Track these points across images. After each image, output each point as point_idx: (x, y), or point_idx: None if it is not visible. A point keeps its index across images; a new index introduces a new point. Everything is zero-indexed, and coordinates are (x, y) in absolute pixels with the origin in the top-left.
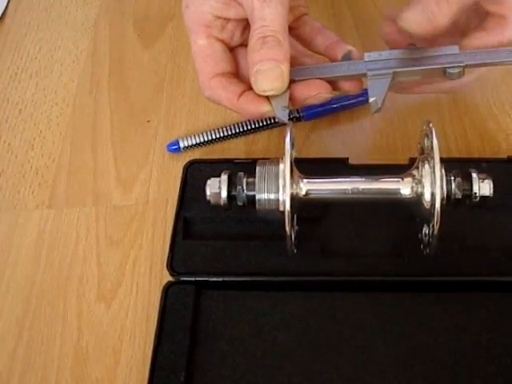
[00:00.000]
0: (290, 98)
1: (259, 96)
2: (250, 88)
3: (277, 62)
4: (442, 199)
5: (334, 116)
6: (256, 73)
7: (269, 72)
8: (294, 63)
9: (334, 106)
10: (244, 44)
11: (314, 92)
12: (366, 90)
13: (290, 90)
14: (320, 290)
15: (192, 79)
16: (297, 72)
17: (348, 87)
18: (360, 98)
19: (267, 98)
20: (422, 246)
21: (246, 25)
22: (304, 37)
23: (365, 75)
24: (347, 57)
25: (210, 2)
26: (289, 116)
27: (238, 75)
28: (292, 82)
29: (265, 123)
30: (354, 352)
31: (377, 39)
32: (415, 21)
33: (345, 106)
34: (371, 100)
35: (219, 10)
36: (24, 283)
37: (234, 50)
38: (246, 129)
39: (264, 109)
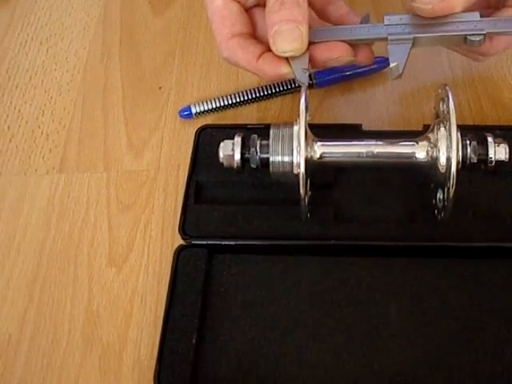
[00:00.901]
0: (310, 60)
1: (278, 57)
2: (269, 49)
3: (296, 23)
4: (457, 162)
5: (347, 83)
6: (275, 34)
7: (288, 33)
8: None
9: (347, 73)
10: (259, 5)
11: (336, 55)
12: (378, 57)
13: (309, 52)
14: (332, 254)
15: (203, 47)
16: (316, 33)
17: (362, 57)
18: (373, 66)
19: (286, 59)
20: (435, 212)
21: None
22: (316, 7)
23: (385, 39)
24: (365, 20)
25: None
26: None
27: (255, 36)
28: (311, 43)
29: (277, 89)
30: (367, 316)
31: (390, 4)
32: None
33: (358, 73)
34: (392, 65)
35: None
36: (34, 247)
37: (250, 10)
38: (258, 95)
39: (283, 70)
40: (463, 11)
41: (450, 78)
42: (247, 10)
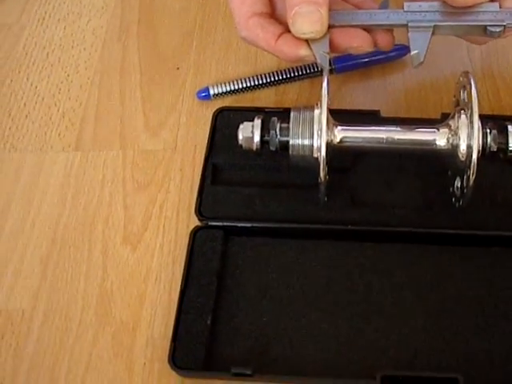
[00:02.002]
0: (330, 44)
1: (298, 39)
2: (289, 30)
3: (316, 5)
4: (478, 151)
5: (366, 70)
6: (294, 15)
7: (308, 15)
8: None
9: (365, 60)
10: None
11: (356, 44)
12: (397, 45)
13: (329, 36)
14: (349, 239)
15: (222, 29)
16: (336, 17)
17: (381, 42)
18: (391, 53)
19: (306, 41)
20: (453, 200)
21: None
22: None
23: (405, 26)
24: (384, 5)
25: None
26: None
27: (274, 17)
28: (331, 26)
29: (296, 74)
30: (382, 301)
31: None
32: None
33: (376, 60)
34: (413, 53)
35: None
36: (49, 224)
37: None
38: (276, 79)
39: (303, 52)
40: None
41: (469, 68)
42: None
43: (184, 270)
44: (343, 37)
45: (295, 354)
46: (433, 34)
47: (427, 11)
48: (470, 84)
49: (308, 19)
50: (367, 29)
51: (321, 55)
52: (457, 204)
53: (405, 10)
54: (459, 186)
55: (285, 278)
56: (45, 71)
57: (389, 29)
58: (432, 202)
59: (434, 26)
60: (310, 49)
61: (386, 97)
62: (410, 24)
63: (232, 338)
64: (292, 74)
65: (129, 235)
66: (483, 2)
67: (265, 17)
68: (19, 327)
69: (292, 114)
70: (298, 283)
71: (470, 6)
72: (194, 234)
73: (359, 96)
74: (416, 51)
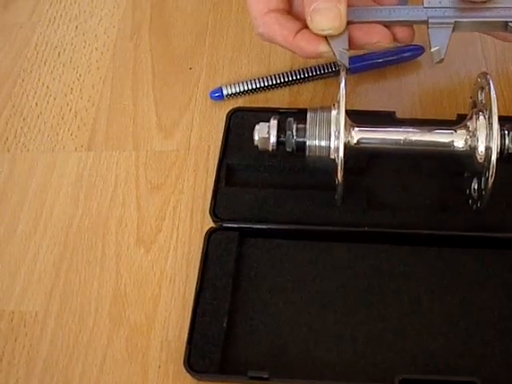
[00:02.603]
0: (349, 41)
1: (316, 35)
2: (306, 26)
3: (334, 1)
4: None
5: (380, 70)
6: (313, 11)
7: (326, 11)
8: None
9: (380, 60)
10: None
11: (375, 40)
12: (411, 45)
13: (348, 32)
14: (364, 241)
15: (235, 28)
16: (354, 13)
17: (401, 35)
18: (406, 54)
19: (325, 38)
20: (470, 202)
21: None
22: None
23: (425, 22)
24: (403, 1)
25: None
26: (336, 67)
27: (292, 13)
28: (350, 23)
29: (310, 74)
30: (398, 305)
31: None
32: None
33: (390, 61)
34: (434, 49)
35: None
36: (62, 225)
37: None
38: (290, 79)
39: (321, 48)
40: None
41: (484, 67)
42: None
43: (199, 272)
44: (362, 33)
45: (312, 357)
46: (453, 30)
47: (448, 7)
48: (489, 85)
49: (326, 15)
50: (386, 24)
51: (340, 52)
52: (474, 206)
53: (425, 5)
54: (476, 187)
55: (300, 280)
56: (56, 71)
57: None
58: (448, 204)
59: (455, 22)
60: (329, 45)
61: (401, 98)
62: (430, 20)
63: (248, 340)
64: (306, 75)
65: (142, 236)
66: None
67: (282, 13)
68: (32, 329)
69: (309, 115)
70: (314, 285)
71: (486, 1)
72: (209, 235)
73: (374, 97)
74: (437, 47)
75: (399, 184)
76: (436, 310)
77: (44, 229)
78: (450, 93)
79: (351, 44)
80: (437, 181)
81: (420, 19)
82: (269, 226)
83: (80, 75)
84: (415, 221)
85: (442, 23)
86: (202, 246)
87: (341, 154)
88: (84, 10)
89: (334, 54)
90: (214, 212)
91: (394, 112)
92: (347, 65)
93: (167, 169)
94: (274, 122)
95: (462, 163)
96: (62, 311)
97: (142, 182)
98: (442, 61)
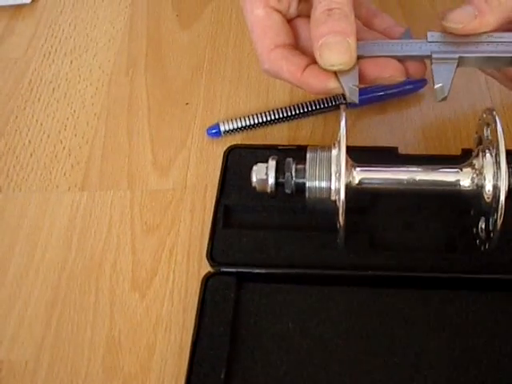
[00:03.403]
0: (359, 75)
1: (325, 71)
2: (314, 61)
3: (344, 35)
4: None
5: (381, 104)
6: (321, 46)
7: (336, 45)
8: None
9: (381, 93)
10: (301, 15)
11: (388, 74)
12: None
13: (358, 67)
14: (368, 285)
15: (232, 62)
16: (364, 47)
17: (413, 69)
18: (407, 86)
19: (334, 73)
20: (477, 242)
21: None
22: (361, 19)
23: (429, 57)
24: (406, 35)
25: None
26: (336, 101)
27: (299, 48)
28: (360, 57)
29: (309, 109)
30: (405, 352)
31: (422, 20)
32: (460, 19)
33: (392, 94)
34: (437, 86)
35: None
36: (54, 268)
37: (291, 21)
38: (289, 114)
39: (331, 85)
40: (497, 30)
41: (488, 99)
42: (289, 21)
43: (195, 319)
44: (373, 67)
45: None
46: (458, 66)
47: (452, 42)
48: (495, 122)
49: (336, 50)
50: (398, 58)
51: (350, 88)
52: (482, 247)
53: (428, 40)
54: (484, 227)
55: (302, 327)
56: (50, 107)
57: None
58: (455, 244)
59: (459, 57)
60: (339, 81)
61: (404, 132)
62: (433, 55)
63: None
64: (305, 109)
65: (137, 281)
66: (488, 31)
67: (288, 48)
68: (22, 380)
69: (308, 155)
70: (316, 333)
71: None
72: (206, 281)
73: (375, 131)
74: (440, 85)
75: (403, 223)
76: (444, 357)
77: (36, 273)
78: (454, 126)
79: (362, 79)
80: (442, 219)
81: (424, 54)
82: (268, 271)
83: (74, 111)
84: (421, 263)
85: (445, 58)
86: (198, 290)
87: (342, 196)
88: (79, 45)
89: (343, 90)
90: (212, 256)
91: (397, 148)
92: (357, 101)
93: (163, 209)
94: (272, 163)
95: (468, 202)
96: (54, 361)
97: (137, 224)
98: (445, 98)
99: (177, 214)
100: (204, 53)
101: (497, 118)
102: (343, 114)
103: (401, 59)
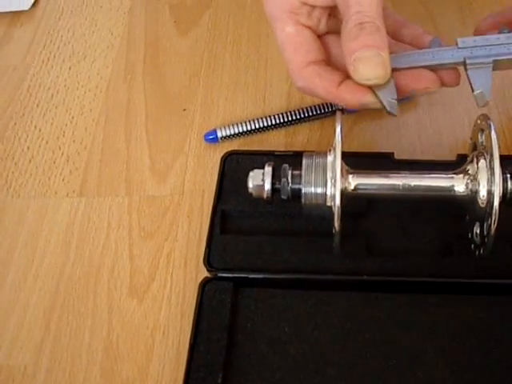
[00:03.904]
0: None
1: (361, 85)
2: (348, 77)
3: (377, 48)
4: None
5: (378, 109)
6: (355, 61)
7: (370, 59)
8: None
9: None
10: (330, 32)
11: (423, 85)
12: None
13: (394, 80)
14: (365, 289)
15: (229, 68)
16: (396, 59)
17: (448, 78)
18: None
19: (370, 87)
20: (472, 246)
21: (330, 12)
22: (389, 30)
23: (462, 64)
24: (435, 43)
25: None
26: (332, 107)
27: (330, 64)
28: (394, 70)
29: (306, 115)
30: (401, 356)
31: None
32: None
33: None
34: (477, 92)
35: None
36: (53, 274)
37: (322, 37)
38: (286, 120)
39: (368, 99)
40: None
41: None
42: (319, 37)
43: (193, 324)
44: (408, 79)
45: None
46: (493, 69)
47: (484, 45)
48: (490, 128)
49: (370, 64)
50: (432, 68)
51: (389, 102)
52: (477, 252)
53: (459, 46)
54: (478, 232)
55: (298, 331)
56: (49, 113)
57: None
58: (450, 248)
59: (494, 60)
60: (376, 95)
61: (400, 137)
62: (467, 61)
63: None
64: (302, 115)
65: (135, 286)
66: None
67: (320, 64)
68: None
69: (304, 161)
70: (313, 337)
71: None
72: (203, 286)
73: (372, 136)
74: (480, 90)
75: (399, 228)
76: (440, 361)
77: (34, 278)
78: (450, 132)
79: (398, 91)
80: (438, 224)
81: (458, 60)
82: (265, 276)
83: (73, 117)
84: (416, 268)
85: (480, 63)
86: (196, 295)
87: (337, 201)
88: (78, 51)
89: (382, 104)
90: (209, 261)
91: (393, 153)
92: (397, 115)
93: (161, 215)
94: (268, 169)
95: (463, 207)
96: (52, 365)
97: (135, 229)
98: (487, 103)
99: (174, 220)
100: (201, 59)
101: (491, 125)
102: (339, 121)
103: (434, 68)
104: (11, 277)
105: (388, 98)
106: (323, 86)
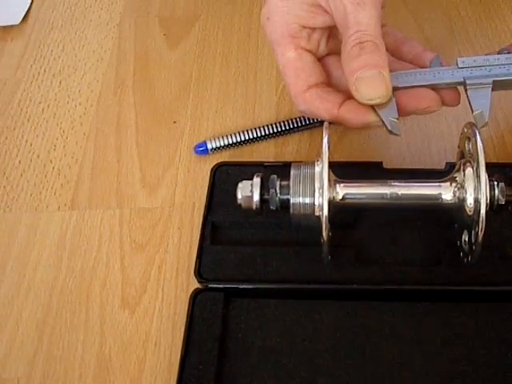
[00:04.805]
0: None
1: (363, 105)
2: (349, 97)
3: (378, 67)
4: (486, 205)
5: None
6: (357, 81)
7: (371, 79)
8: None
9: None
10: (331, 53)
11: (425, 105)
12: None
13: (395, 99)
14: (354, 298)
15: (219, 80)
16: (397, 78)
17: (448, 98)
18: None
19: (371, 107)
20: (461, 254)
21: (330, 33)
22: (389, 48)
23: (462, 84)
24: (436, 62)
25: (294, 11)
26: None
27: (331, 85)
28: (395, 89)
29: (295, 125)
30: (391, 364)
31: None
32: None
33: None
34: (476, 113)
35: (305, 19)
36: (45, 287)
37: (322, 59)
38: (275, 131)
39: (370, 118)
40: None
41: (471, 113)
42: (320, 60)
43: (184, 335)
44: (409, 98)
45: None
46: (493, 89)
47: (484, 65)
48: (475, 137)
49: (372, 84)
50: (432, 87)
51: (391, 121)
52: (465, 260)
53: (459, 66)
54: (467, 239)
55: (289, 341)
56: (40, 127)
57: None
58: (439, 257)
59: (493, 81)
60: (377, 115)
61: (388, 146)
62: (467, 81)
63: None
64: (291, 126)
65: (127, 298)
66: None
67: (321, 87)
68: None
69: (292, 172)
70: (303, 347)
71: None
72: (194, 297)
73: (361, 146)
74: (479, 111)
75: (388, 237)
76: (430, 369)
77: (27, 292)
78: (438, 140)
79: (400, 111)
80: (427, 233)
81: (457, 80)
82: (255, 286)
83: (63, 131)
84: (405, 276)
85: (480, 84)
86: (187, 306)
87: (325, 211)
88: (68, 65)
89: (383, 123)
90: (199, 272)
91: (381, 162)
92: (399, 134)
93: (151, 227)
94: (256, 180)
95: (451, 215)
96: (45, 378)
97: (126, 241)
98: (486, 124)
99: (165, 232)
100: (191, 72)
101: (477, 133)
102: (326, 131)
103: (434, 87)
104: (4, 290)
105: (389, 117)
106: (325, 108)
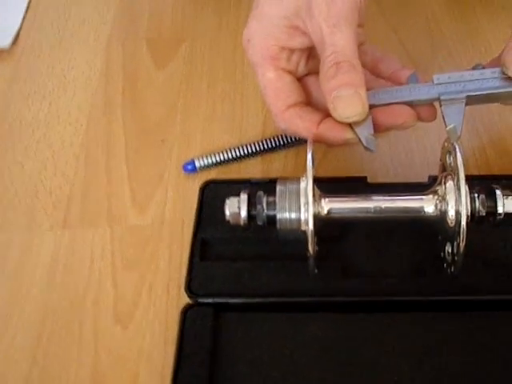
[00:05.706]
0: (373, 124)
1: (340, 123)
2: (327, 115)
3: (354, 86)
4: (467, 217)
5: None
6: (334, 99)
7: (348, 98)
8: None
9: None
10: (310, 73)
11: (401, 121)
12: None
13: (371, 116)
14: (342, 311)
15: (206, 99)
16: (374, 96)
17: (424, 114)
18: None
19: (349, 124)
20: (444, 265)
21: (309, 54)
22: (367, 66)
23: (437, 99)
24: (413, 79)
25: (274, 34)
26: None
27: (311, 104)
28: (371, 106)
29: (281, 142)
30: (378, 374)
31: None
32: None
33: None
34: (449, 127)
35: (284, 40)
36: (38, 306)
37: (302, 79)
38: (262, 148)
39: (347, 136)
40: None
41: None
42: (299, 79)
43: (176, 350)
44: (386, 115)
45: None
46: (466, 104)
47: (458, 81)
48: (455, 151)
49: (349, 102)
50: (408, 104)
51: (367, 138)
52: (448, 270)
53: (434, 82)
54: (450, 251)
55: (278, 354)
56: (30, 149)
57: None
58: (424, 268)
59: (467, 96)
60: (354, 132)
61: (373, 161)
62: (442, 97)
63: None
64: (277, 143)
65: (119, 315)
66: None
67: (301, 106)
68: None
69: (278, 188)
70: (292, 359)
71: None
72: (185, 312)
73: (345, 162)
74: (452, 125)
75: (374, 250)
76: (417, 378)
77: (20, 311)
78: (422, 154)
79: (376, 127)
80: (412, 244)
81: (432, 97)
82: (244, 300)
83: (54, 152)
84: (391, 287)
85: (453, 99)
86: (178, 321)
87: (310, 226)
88: (58, 86)
89: (359, 140)
90: (190, 288)
91: (366, 177)
92: (375, 150)
93: (142, 244)
94: (244, 197)
95: (434, 227)
96: None
97: (118, 259)
98: (458, 138)
99: (155, 249)
100: (179, 91)
101: (457, 147)
102: (310, 147)
103: (410, 104)
104: None
105: (365, 133)
106: (304, 127)
